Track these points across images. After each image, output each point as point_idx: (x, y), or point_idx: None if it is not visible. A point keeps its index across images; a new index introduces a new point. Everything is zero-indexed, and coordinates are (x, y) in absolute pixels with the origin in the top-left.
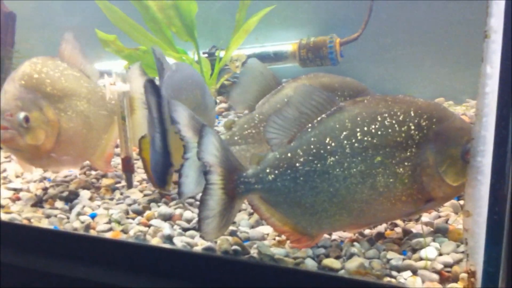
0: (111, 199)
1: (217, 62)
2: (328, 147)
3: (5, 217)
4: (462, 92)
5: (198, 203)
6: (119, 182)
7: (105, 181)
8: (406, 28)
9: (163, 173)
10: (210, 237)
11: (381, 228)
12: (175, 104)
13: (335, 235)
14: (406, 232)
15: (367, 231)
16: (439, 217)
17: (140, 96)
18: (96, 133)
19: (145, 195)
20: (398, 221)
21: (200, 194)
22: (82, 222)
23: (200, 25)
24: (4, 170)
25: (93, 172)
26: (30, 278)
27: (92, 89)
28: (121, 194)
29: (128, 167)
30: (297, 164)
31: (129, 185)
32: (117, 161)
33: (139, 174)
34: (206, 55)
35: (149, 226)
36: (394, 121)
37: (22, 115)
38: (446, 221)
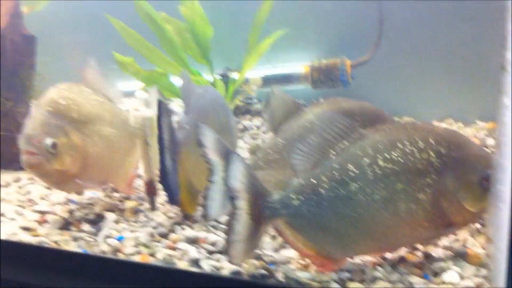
0: (136, 221)
1: (231, 83)
2: (351, 173)
3: (34, 240)
4: (471, 113)
5: (221, 226)
6: (142, 204)
7: (128, 204)
8: (415, 48)
9: (176, 192)
10: (237, 261)
11: (402, 252)
12: (203, 128)
13: (358, 259)
14: (427, 256)
15: (388, 255)
16: (457, 240)
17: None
18: (119, 156)
19: (169, 218)
20: (418, 245)
21: (224, 217)
22: (110, 245)
23: (213, 47)
24: (28, 192)
25: (116, 194)
26: None
27: (115, 113)
28: (145, 216)
29: (151, 189)
30: (321, 190)
31: (153, 207)
32: (137, 182)
33: (161, 196)
34: (220, 76)
35: (175, 249)
36: (414, 148)
37: (49, 141)
38: (464, 245)
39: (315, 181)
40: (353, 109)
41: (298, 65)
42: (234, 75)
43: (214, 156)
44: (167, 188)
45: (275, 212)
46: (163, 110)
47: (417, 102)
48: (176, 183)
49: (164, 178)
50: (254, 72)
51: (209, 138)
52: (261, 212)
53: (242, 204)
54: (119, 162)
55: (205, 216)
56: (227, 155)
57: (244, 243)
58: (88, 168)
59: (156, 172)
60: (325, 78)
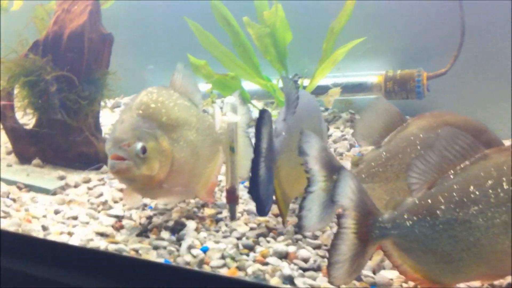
0: (217, 231)
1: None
2: (472, 195)
3: (111, 247)
4: None
5: (308, 240)
6: (221, 213)
7: (207, 211)
8: (491, 63)
9: (267, 203)
10: (339, 283)
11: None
12: (308, 135)
13: (464, 285)
14: None
15: (496, 282)
16: None
17: (241, 125)
18: (202, 162)
19: (251, 229)
20: None
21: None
22: (195, 257)
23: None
24: (101, 194)
25: (192, 201)
26: None
27: (200, 118)
28: (226, 225)
29: (232, 198)
30: (438, 211)
31: (232, 216)
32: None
33: (241, 205)
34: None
35: (265, 264)
36: None
37: (139, 145)
38: None
39: (431, 201)
40: (457, 123)
41: (367, 74)
42: (305, 82)
43: (315, 165)
44: (257, 198)
45: (384, 232)
46: (265, 118)
47: (492, 118)
48: (270, 193)
49: (255, 187)
50: (325, 79)
51: (313, 146)
52: (370, 232)
53: (349, 222)
54: (201, 168)
55: (299, 227)
56: (335, 168)
57: (348, 264)
58: (174, 173)
59: (241, 179)
60: (399, 89)
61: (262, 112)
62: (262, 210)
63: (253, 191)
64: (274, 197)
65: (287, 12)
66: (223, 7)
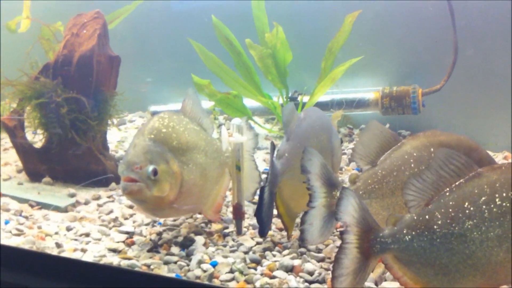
0: (224, 245)
1: (300, 107)
2: (467, 211)
3: (124, 263)
4: None
5: (312, 253)
6: (227, 228)
7: (214, 226)
8: (486, 79)
9: (267, 225)
10: None
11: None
12: (310, 153)
13: None
14: None
15: None
16: None
17: (248, 149)
18: (210, 184)
19: (257, 243)
20: None
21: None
22: (205, 271)
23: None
24: (111, 211)
25: (199, 216)
26: None
27: (209, 141)
28: (233, 240)
29: (239, 213)
30: (435, 226)
31: (239, 231)
32: None
33: (246, 220)
34: (289, 99)
35: (272, 277)
36: None
37: (151, 168)
38: None
39: (428, 217)
40: (450, 142)
41: (365, 91)
42: (304, 99)
43: (316, 182)
44: (260, 221)
45: (385, 246)
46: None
47: (484, 133)
48: (270, 216)
49: (259, 210)
50: (324, 96)
51: (314, 164)
52: (371, 247)
53: (352, 238)
54: (209, 190)
55: (302, 240)
56: (335, 185)
57: (351, 277)
58: (183, 194)
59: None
60: (396, 105)
61: (272, 144)
62: (262, 232)
63: (257, 213)
64: (276, 213)
65: (288, 31)
66: (225, 27)
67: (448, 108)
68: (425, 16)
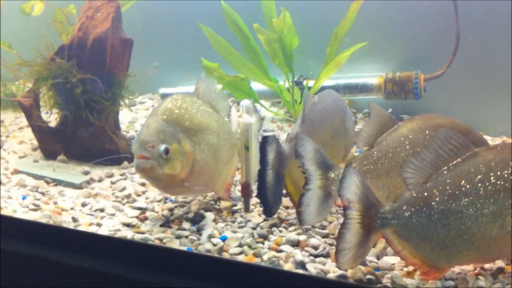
0: (233, 221)
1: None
2: (463, 188)
3: (137, 237)
4: None
5: (317, 229)
6: (236, 205)
7: (223, 204)
8: (486, 66)
9: (275, 205)
10: (346, 268)
11: (500, 263)
12: (303, 139)
13: (458, 269)
14: None
15: (487, 265)
16: None
17: (254, 131)
18: (221, 164)
19: (264, 220)
20: None
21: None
22: (215, 245)
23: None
24: (124, 188)
25: (209, 194)
26: None
27: (221, 123)
28: (242, 217)
29: (247, 191)
30: (433, 203)
31: (247, 209)
32: None
33: (254, 198)
34: (294, 83)
35: (279, 251)
36: None
37: (163, 147)
38: None
39: (427, 194)
40: (446, 125)
41: (368, 76)
42: (309, 83)
43: (310, 166)
44: (265, 202)
45: (386, 222)
46: (269, 140)
47: (483, 118)
48: (278, 196)
49: (263, 193)
50: (329, 81)
51: (307, 149)
52: (372, 222)
53: (354, 214)
54: (220, 170)
55: (300, 221)
56: (330, 167)
57: (354, 251)
58: (195, 174)
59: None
60: (398, 90)
61: (266, 138)
62: (269, 212)
63: (261, 196)
64: (286, 192)
65: (295, 18)
66: (234, 12)
67: (449, 94)
68: (428, 3)
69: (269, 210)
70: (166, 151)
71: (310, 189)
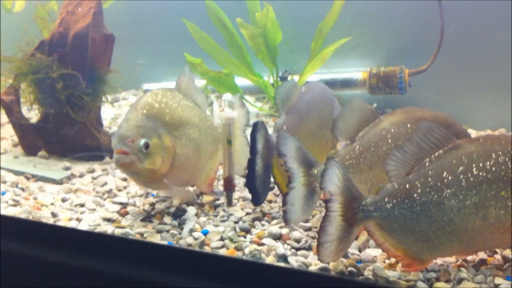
0: (215, 215)
1: None
2: (445, 180)
3: (118, 231)
4: None
5: (300, 223)
6: (218, 199)
7: (206, 198)
8: (472, 60)
9: (263, 195)
10: (328, 260)
11: (482, 254)
12: (284, 137)
13: (440, 260)
14: (506, 259)
15: (470, 257)
16: None
17: (240, 125)
18: (204, 159)
19: (247, 214)
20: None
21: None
22: (196, 239)
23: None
24: (105, 183)
25: (191, 189)
26: None
27: (203, 118)
28: (224, 211)
29: (229, 186)
30: (415, 195)
31: (229, 203)
32: None
33: (236, 193)
34: (279, 78)
35: (261, 244)
36: (507, 159)
37: (142, 141)
38: None
39: (408, 186)
40: (426, 118)
41: (353, 71)
42: (295, 78)
43: (293, 164)
44: (254, 191)
45: (368, 214)
46: (259, 126)
47: (469, 111)
48: (266, 185)
49: (251, 181)
50: (314, 76)
51: (289, 147)
52: (354, 214)
53: (336, 206)
54: (203, 164)
55: (285, 220)
56: (312, 164)
57: (336, 244)
58: (176, 168)
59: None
60: (383, 85)
61: (256, 123)
62: (257, 201)
63: (250, 184)
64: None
65: (278, 12)
66: (218, 8)
67: (434, 88)
68: None
69: (257, 198)
70: (146, 145)
71: (293, 187)
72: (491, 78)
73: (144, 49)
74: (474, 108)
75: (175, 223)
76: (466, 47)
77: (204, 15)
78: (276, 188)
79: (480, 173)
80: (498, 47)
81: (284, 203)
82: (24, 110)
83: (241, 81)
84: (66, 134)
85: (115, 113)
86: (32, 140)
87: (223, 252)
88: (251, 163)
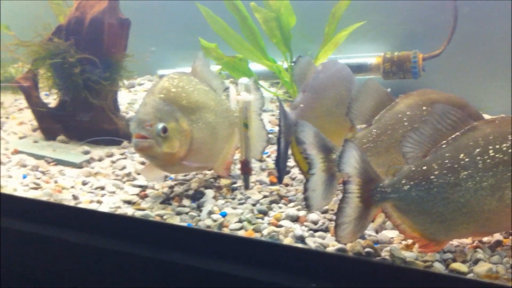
0: (233, 198)
1: None
2: (462, 162)
3: (138, 213)
4: None
5: None
6: (235, 183)
7: (223, 181)
8: (485, 45)
9: (284, 173)
10: (346, 241)
11: (498, 236)
12: (303, 124)
13: (457, 242)
14: None
15: (486, 239)
16: None
17: (255, 109)
18: (220, 142)
19: (264, 196)
20: None
21: None
22: (215, 221)
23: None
24: (124, 167)
25: (208, 172)
26: (168, 273)
27: (219, 102)
28: (241, 194)
29: (246, 169)
30: (432, 177)
31: (246, 186)
32: None
33: (253, 176)
34: (293, 64)
35: (279, 226)
36: None
37: (160, 125)
38: None
39: (426, 168)
40: (440, 100)
41: (367, 56)
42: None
43: (312, 151)
44: (278, 170)
45: (385, 196)
46: (281, 104)
47: (481, 96)
48: (284, 164)
49: (278, 160)
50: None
51: (307, 134)
52: (372, 196)
53: (353, 188)
54: (219, 148)
55: (307, 207)
56: (330, 149)
57: (353, 225)
58: (193, 152)
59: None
60: (397, 69)
61: (280, 101)
62: (281, 179)
63: (276, 163)
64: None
65: None
66: None
67: (448, 73)
68: None
69: (280, 177)
70: (164, 129)
71: (314, 173)
72: (505, 62)
73: (157, 34)
74: (488, 93)
75: (194, 205)
76: (480, 31)
77: (217, 1)
78: (291, 172)
79: (497, 155)
80: None
81: (305, 189)
82: (43, 95)
83: (255, 67)
84: (84, 119)
85: (131, 98)
86: (51, 124)
87: (241, 233)
88: (277, 142)
